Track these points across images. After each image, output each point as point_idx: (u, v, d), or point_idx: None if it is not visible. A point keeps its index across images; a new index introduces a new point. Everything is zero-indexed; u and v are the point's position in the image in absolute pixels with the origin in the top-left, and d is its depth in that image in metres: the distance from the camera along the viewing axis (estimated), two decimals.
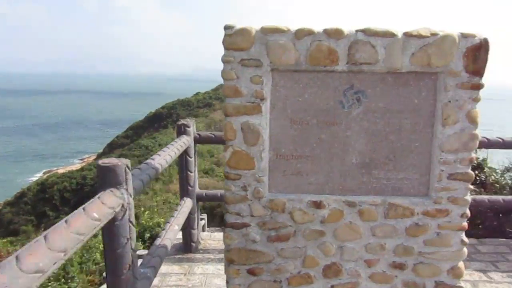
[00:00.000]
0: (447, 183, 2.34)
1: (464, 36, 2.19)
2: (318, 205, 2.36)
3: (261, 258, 2.43)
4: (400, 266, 2.43)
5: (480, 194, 4.87)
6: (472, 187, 2.45)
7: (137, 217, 8.64)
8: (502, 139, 3.52)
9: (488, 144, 3.48)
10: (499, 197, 3.87)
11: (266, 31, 2.19)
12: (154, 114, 54.22)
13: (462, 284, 2.47)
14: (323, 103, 2.31)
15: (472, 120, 2.27)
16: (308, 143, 2.35)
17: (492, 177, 5.38)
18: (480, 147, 3.38)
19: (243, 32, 2.19)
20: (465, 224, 2.39)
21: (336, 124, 2.33)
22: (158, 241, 2.79)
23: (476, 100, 2.26)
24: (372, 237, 2.40)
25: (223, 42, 2.21)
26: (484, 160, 5.58)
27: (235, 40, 2.19)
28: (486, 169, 5.49)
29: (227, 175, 2.36)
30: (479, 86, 2.24)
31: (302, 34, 2.18)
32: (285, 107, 2.32)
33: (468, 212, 2.38)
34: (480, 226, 4.77)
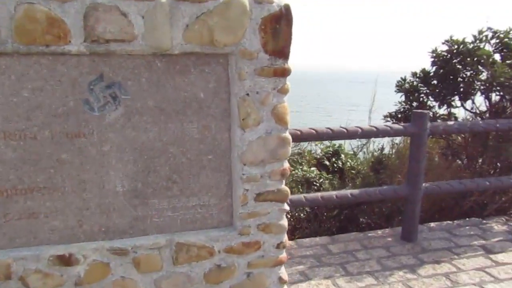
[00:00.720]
0: (255, 206, 1.71)
1: (257, 2, 1.54)
2: (67, 260, 1.54)
3: None
4: None
5: (335, 183, 4.60)
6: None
7: None
8: (316, 130, 3.11)
9: (301, 137, 3.06)
10: (347, 192, 3.53)
11: None
12: None
13: None
14: (58, 105, 1.47)
15: (280, 119, 1.66)
16: (41, 168, 1.50)
17: (348, 163, 5.21)
18: (294, 140, 2.83)
19: None
20: (283, 256, 1.81)
21: (84, 136, 1.52)
22: None
23: (283, 91, 1.65)
24: None
25: None
26: (341, 146, 5.41)
27: None
28: (342, 156, 5.30)
29: None
30: (285, 72, 1.62)
31: None
32: None
33: (286, 240, 1.80)
34: (336, 218, 4.53)
